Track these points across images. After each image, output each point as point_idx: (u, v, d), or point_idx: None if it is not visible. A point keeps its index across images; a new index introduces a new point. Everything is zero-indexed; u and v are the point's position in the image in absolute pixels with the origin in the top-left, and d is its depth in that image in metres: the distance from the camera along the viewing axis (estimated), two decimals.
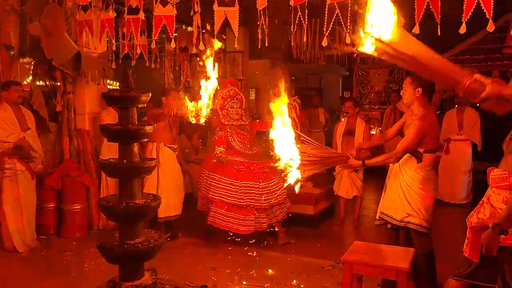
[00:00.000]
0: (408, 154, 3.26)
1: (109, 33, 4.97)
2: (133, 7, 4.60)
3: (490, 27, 3.22)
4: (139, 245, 2.63)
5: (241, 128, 4.83)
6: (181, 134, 6.72)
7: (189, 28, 7.29)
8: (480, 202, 2.46)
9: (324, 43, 3.82)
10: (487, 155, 5.81)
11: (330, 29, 3.84)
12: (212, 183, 4.59)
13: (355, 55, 8.05)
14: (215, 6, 4.18)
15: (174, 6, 4.53)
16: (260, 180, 4.51)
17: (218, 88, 4.32)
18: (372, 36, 1.81)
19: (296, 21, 3.90)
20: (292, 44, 7.32)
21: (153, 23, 4.61)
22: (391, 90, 9.23)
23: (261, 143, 4.90)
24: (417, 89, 3.34)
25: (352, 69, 10.40)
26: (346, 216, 5.49)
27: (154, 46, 5.03)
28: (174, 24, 4.67)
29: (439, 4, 3.40)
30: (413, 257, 2.67)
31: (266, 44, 4.04)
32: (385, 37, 1.81)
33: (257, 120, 5.23)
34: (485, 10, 3.22)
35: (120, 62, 6.83)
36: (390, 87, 9.67)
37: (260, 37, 4.17)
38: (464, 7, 3.21)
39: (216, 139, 4.77)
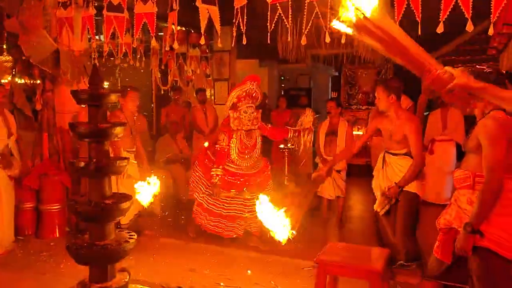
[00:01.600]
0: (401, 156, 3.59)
1: (90, 31, 4.90)
2: (115, 4, 4.55)
3: (469, 27, 3.21)
4: (109, 246, 2.58)
5: (249, 135, 4.46)
6: (165, 134, 6.67)
7: (178, 27, 7.25)
8: (449, 204, 2.45)
9: (303, 41, 3.78)
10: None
11: (314, 28, 3.83)
12: (200, 186, 4.55)
13: (341, 54, 8.04)
14: (199, 3, 4.12)
15: (155, 3, 4.48)
16: (246, 192, 4.44)
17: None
18: (355, 7, 1.73)
19: (276, 20, 3.87)
20: (278, 43, 7.34)
21: (134, 21, 4.56)
22: None
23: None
24: (390, 96, 3.43)
25: (341, 69, 10.41)
26: (329, 217, 5.47)
27: (136, 44, 4.97)
28: (155, 21, 4.63)
29: (420, 3, 3.38)
30: (387, 257, 2.65)
31: (244, 42, 3.98)
32: (367, 12, 1.75)
33: (269, 125, 4.80)
34: (464, 11, 3.21)
35: (104, 61, 6.80)
36: None
37: (243, 35, 4.13)
38: (441, 7, 3.20)
39: (217, 153, 4.42)
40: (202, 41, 4.63)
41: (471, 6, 3.19)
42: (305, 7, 3.70)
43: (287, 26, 3.86)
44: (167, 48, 7.28)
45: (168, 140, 6.51)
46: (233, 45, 4.53)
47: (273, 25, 3.85)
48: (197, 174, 4.64)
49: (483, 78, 2.23)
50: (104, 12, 4.61)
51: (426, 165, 6.01)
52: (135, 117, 4.85)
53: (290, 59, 7.79)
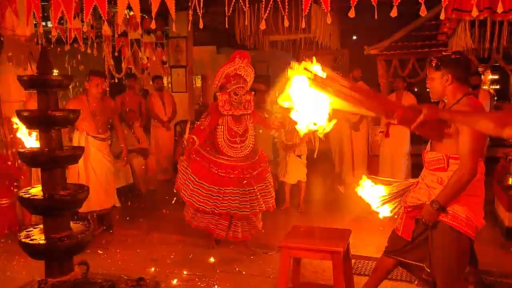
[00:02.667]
0: None
1: (36, 15, 4.62)
2: None
3: (422, 11, 3.29)
4: (65, 239, 2.46)
5: (239, 120, 3.90)
6: (122, 123, 6.45)
7: (131, 13, 7.00)
8: (415, 182, 2.51)
9: (262, 26, 3.75)
10: (423, 139, 6.08)
11: (272, 13, 3.80)
12: (188, 182, 3.88)
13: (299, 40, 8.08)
14: None
15: None
16: (244, 185, 3.82)
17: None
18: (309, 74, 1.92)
19: (233, 5, 3.81)
20: (236, 30, 7.27)
21: (84, 5, 4.33)
22: None
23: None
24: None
25: (298, 55, 10.47)
26: (290, 202, 5.52)
27: (87, 30, 4.75)
28: (106, 5, 4.42)
29: None
30: (349, 236, 2.70)
31: (201, 27, 3.89)
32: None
33: (265, 115, 4.35)
34: None
35: (52, 46, 6.46)
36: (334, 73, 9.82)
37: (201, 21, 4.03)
38: None
39: (196, 127, 3.89)
40: (153, 25, 4.48)
41: None
42: None
43: (245, 10, 3.81)
44: (119, 33, 7.05)
45: (124, 129, 6.30)
46: (189, 30, 4.41)
47: (231, 10, 3.78)
48: (183, 169, 3.99)
49: (448, 62, 2.30)
50: None
51: (382, 147, 6.32)
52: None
53: (248, 45, 7.73)
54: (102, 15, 4.40)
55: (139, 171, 5.94)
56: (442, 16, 3.33)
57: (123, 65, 7.83)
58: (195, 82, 10.47)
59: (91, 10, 4.31)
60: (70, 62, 9.58)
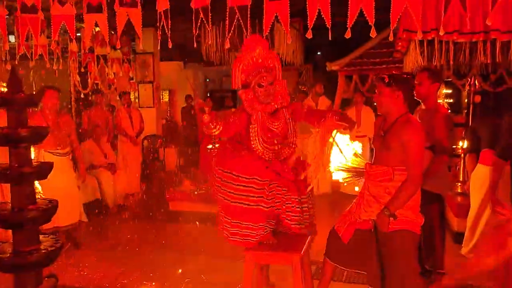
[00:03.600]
0: None
1: (2, 32, 4.65)
2: (28, 5, 4.36)
3: (372, 33, 3.57)
4: (34, 252, 2.53)
5: (274, 116, 2.98)
6: (88, 138, 6.46)
7: (97, 29, 7.06)
8: (360, 195, 2.73)
9: (227, 45, 3.95)
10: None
11: (237, 30, 4.00)
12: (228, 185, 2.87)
13: None
14: (116, 7, 4.10)
15: (74, 5, 4.37)
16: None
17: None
18: None
19: (199, 23, 4.00)
20: (202, 46, 7.45)
21: (51, 23, 4.41)
22: (300, 91, 9.70)
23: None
24: None
25: None
26: None
27: (55, 47, 4.82)
28: (75, 24, 4.52)
29: (329, 10, 3.69)
30: (309, 241, 2.88)
31: (170, 46, 4.06)
32: None
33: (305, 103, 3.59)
34: (367, 18, 3.58)
35: (17, 63, 6.43)
36: (299, 88, 10.15)
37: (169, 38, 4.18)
38: (348, 15, 3.54)
39: (225, 118, 2.93)
40: (118, 45, 4.61)
41: (374, 14, 3.57)
42: (227, 11, 3.86)
43: (208, 30, 4.00)
44: (86, 50, 7.10)
45: (91, 145, 6.33)
46: (158, 48, 4.54)
47: (197, 30, 3.96)
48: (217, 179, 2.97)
49: (400, 81, 2.58)
50: (18, 13, 4.41)
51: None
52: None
53: (215, 61, 7.92)
54: (70, 33, 4.51)
55: (106, 186, 5.97)
56: (390, 38, 3.62)
57: (89, 80, 7.85)
58: (163, 97, 10.56)
59: (59, 29, 4.41)
60: (35, 78, 9.51)
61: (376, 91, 2.68)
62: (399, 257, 2.55)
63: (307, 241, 2.83)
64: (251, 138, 2.95)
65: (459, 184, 4.78)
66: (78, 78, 7.92)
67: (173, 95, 11.00)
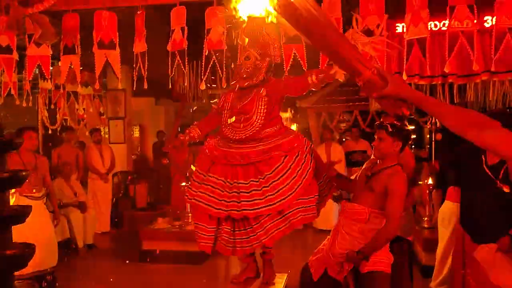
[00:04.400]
0: None
1: None
2: (3, 46, 4.39)
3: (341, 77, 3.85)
4: None
5: (245, 95, 2.78)
6: (58, 176, 6.34)
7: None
8: (334, 232, 2.81)
9: (202, 87, 4.10)
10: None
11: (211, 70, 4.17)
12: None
13: None
14: (95, 49, 4.20)
15: (49, 46, 4.43)
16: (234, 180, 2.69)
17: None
18: None
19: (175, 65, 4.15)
20: (175, 84, 7.57)
21: (26, 64, 4.45)
22: None
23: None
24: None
25: None
26: None
27: (29, 86, 4.83)
28: (50, 64, 4.58)
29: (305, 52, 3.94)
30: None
31: (146, 87, 4.17)
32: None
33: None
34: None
35: None
36: None
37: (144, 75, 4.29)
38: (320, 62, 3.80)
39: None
40: (97, 86, 4.69)
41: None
42: (204, 54, 4.04)
43: (185, 72, 4.16)
44: (61, 88, 7.07)
45: (61, 183, 6.20)
46: (130, 84, 4.63)
47: (173, 71, 4.11)
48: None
49: (402, 133, 2.74)
50: None
51: None
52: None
53: (188, 98, 8.04)
54: (45, 73, 4.55)
55: (76, 225, 5.84)
56: (359, 83, 3.88)
57: (58, 116, 7.77)
58: (133, 133, 10.52)
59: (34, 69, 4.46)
60: (1, 114, 9.31)
61: (375, 136, 2.78)
62: None
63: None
64: (224, 113, 2.85)
65: (426, 219, 4.99)
66: (46, 114, 7.82)
67: (144, 131, 10.97)
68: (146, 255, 5.22)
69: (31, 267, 3.95)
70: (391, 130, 2.71)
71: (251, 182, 2.62)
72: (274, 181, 2.60)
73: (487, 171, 2.96)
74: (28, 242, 3.48)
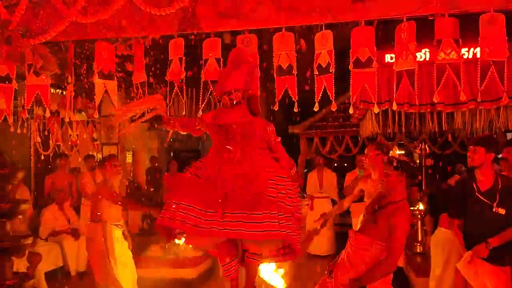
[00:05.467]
0: None
1: None
2: (3, 75, 4.46)
3: (333, 107, 3.99)
4: None
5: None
6: (50, 203, 6.32)
7: (63, 92, 7.13)
8: (340, 261, 2.91)
9: (199, 114, 4.20)
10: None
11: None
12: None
13: None
14: (95, 79, 4.29)
15: (48, 77, 4.51)
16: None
17: None
18: None
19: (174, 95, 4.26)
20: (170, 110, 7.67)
21: (26, 93, 4.52)
22: None
23: None
24: None
25: None
26: None
27: (26, 114, 4.90)
28: (49, 94, 4.65)
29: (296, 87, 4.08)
30: None
31: (145, 117, 4.24)
32: None
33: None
34: (328, 93, 3.99)
35: None
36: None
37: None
38: (315, 90, 3.93)
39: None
40: (96, 114, 4.77)
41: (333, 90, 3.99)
42: (201, 85, 4.16)
43: (182, 101, 4.27)
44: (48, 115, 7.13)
45: (54, 210, 6.19)
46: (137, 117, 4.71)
47: (171, 100, 4.21)
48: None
49: (406, 167, 2.87)
50: None
51: (307, 220, 6.81)
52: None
53: None
54: (44, 102, 4.61)
55: (70, 252, 5.80)
56: (350, 111, 4.01)
57: (51, 142, 7.80)
58: (126, 158, 10.53)
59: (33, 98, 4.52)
60: None
61: (384, 172, 2.95)
62: None
63: None
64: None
65: (418, 244, 5.06)
66: (39, 140, 7.84)
67: (137, 156, 11.00)
68: (140, 283, 5.17)
69: None
70: (395, 164, 2.85)
71: None
72: None
73: (481, 198, 3.15)
74: None
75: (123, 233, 4.62)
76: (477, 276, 3.10)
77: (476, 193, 3.19)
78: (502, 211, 3.11)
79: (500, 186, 3.15)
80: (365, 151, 3.95)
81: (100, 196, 4.37)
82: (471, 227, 3.27)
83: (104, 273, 4.22)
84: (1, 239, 2.55)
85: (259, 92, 3.37)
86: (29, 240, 2.66)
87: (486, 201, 3.15)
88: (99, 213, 4.35)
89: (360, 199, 5.56)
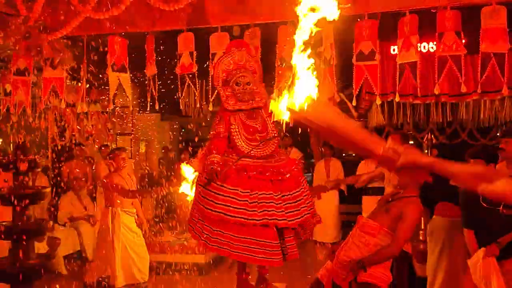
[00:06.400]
0: None
1: None
2: (22, 69, 4.70)
3: (337, 98, 4.12)
4: None
5: (252, 116, 3.07)
6: (67, 191, 6.59)
7: (78, 84, 7.36)
8: (346, 241, 3.06)
9: (210, 108, 4.39)
10: (351, 199, 6.91)
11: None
12: (210, 194, 2.88)
13: None
14: (109, 71, 4.50)
15: (64, 69, 4.73)
16: (279, 192, 2.90)
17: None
18: (287, 107, 1.78)
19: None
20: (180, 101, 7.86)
21: (42, 85, 4.75)
22: None
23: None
24: None
25: None
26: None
27: (43, 106, 5.13)
28: (64, 86, 4.87)
29: None
30: None
31: (156, 108, 4.45)
32: (300, 107, 1.75)
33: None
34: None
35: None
36: None
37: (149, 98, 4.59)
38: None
39: (211, 139, 3.10)
40: (110, 106, 4.98)
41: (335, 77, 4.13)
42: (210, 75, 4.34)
43: (196, 93, 4.46)
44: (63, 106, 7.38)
45: (71, 197, 6.46)
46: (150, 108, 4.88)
47: (183, 93, 4.40)
48: (200, 195, 2.98)
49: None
50: (11, 76, 4.73)
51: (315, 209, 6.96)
52: None
53: (192, 115, 8.30)
54: (59, 94, 4.84)
55: (86, 238, 6.06)
56: (354, 103, 4.14)
57: (67, 132, 8.05)
58: (140, 148, 10.79)
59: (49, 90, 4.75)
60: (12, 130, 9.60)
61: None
62: None
63: None
64: (235, 137, 3.01)
65: (421, 231, 5.17)
66: (56, 130, 8.10)
67: (150, 146, 11.25)
68: (153, 267, 5.43)
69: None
70: None
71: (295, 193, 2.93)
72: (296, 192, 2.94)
73: (485, 205, 3.14)
74: None
75: (136, 221, 4.87)
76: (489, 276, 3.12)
77: (481, 201, 3.16)
78: (509, 211, 3.07)
79: None
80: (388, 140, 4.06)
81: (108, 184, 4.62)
82: (483, 237, 3.25)
83: (102, 254, 4.51)
84: (26, 223, 2.76)
85: None
86: (49, 224, 2.88)
87: (490, 207, 3.12)
88: (109, 200, 4.66)
89: (374, 193, 5.69)
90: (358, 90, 4.25)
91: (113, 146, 9.25)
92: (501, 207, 3.09)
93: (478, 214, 3.24)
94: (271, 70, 4.20)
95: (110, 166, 5.19)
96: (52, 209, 6.34)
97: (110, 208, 4.69)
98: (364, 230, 2.95)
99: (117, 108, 8.78)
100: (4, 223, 2.84)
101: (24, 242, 2.75)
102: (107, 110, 8.46)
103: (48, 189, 2.89)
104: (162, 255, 5.53)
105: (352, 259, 2.87)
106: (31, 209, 2.84)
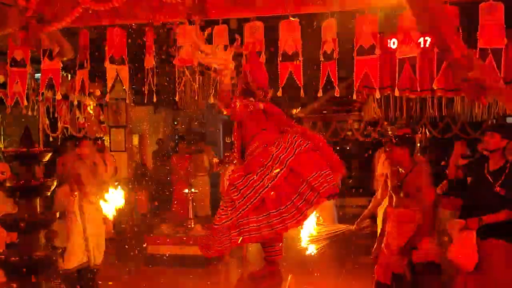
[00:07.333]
0: None
1: None
2: (18, 60, 4.63)
3: (336, 93, 4.17)
4: None
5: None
6: (62, 184, 6.53)
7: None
8: (387, 235, 3.26)
9: (211, 100, 4.38)
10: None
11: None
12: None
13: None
14: (107, 64, 4.45)
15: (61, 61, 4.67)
16: None
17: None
18: None
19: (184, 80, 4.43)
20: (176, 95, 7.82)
21: (40, 77, 4.69)
22: None
23: None
24: None
25: None
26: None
27: (40, 97, 5.06)
28: (60, 77, 4.82)
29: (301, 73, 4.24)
30: None
31: (155, 100, 4.43)
32: None
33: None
34: (332, 79, 4.16)
35: None
36: None
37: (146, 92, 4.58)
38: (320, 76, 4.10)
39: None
40: (107, 98, 4.95)
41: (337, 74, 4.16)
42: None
43: (194, 87, 4.45)
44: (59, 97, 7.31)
45: (66, 190, 6.39)
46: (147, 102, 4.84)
47: (182, 85, 4.38)
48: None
49: (406, 140, 3.17)
50: (8, 67, 4.67)
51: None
52: None
53: (184, 108, 8.28)
54: (55, 85, 4.78)
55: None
56: (354, 97, 4.18)
57: (59, 124, 7.96)
58: (133, 141, 10.73)
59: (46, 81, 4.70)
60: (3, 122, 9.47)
61: (387, 149, 3.39)
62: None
63: None
64: None
65: None
66: (47, 122, 8.00)
67: (143, 139, 11.20)
68: (151, 259, 5.45)
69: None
70: (395, 141, 3.15)
71: None
72: None
73: (488, 176, 3.37)
74: None
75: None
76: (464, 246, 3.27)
77: (485, 171, 3.41)
78: (502, 191, 3.29)
79: (508, 171, 3.33)
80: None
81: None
82: (470, 201, 3.49)
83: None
84: (32, 215, 2.75)
85: None
86: (56, 217, 2.88)
87: (490, 179, 3.36)
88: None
89: None
90: (358, 84, 4.28)
91: (107, 138, 9.21)
92: (498, 183, 3.29)
93: (476, 181, 3.46)
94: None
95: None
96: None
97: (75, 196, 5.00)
98: (401, 220, 3.16)
99: (112, 100, 8.73)
100: (8, 216, 2.83)
101: (31, 235, 2.75)
102: (103, 102, 8.44)
103: (55, 181, 2.87)
104: (160, 247, 5.55)
105: (401, 246, 3.10)
106: (34, 201, 2.82)
